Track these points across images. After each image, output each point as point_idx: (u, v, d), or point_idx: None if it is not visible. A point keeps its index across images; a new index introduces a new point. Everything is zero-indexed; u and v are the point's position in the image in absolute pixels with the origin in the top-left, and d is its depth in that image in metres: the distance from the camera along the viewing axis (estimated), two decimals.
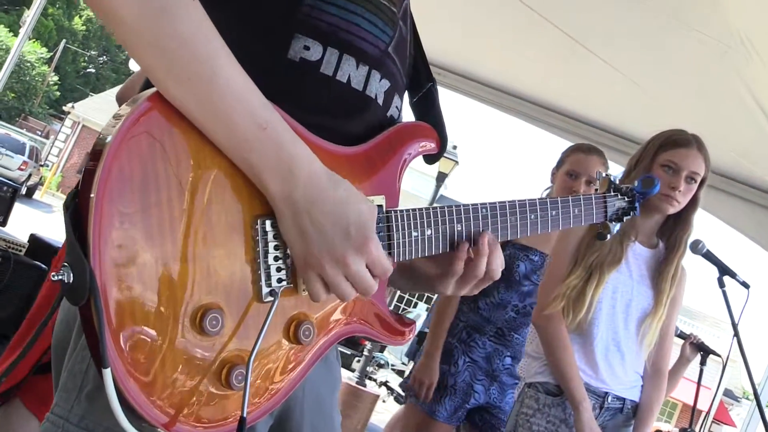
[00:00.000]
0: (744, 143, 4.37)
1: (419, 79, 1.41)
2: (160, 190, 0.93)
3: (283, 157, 0.98)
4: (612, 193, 1.48)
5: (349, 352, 9.47)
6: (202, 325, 0.95)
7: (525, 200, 1.32)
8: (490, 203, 1.28)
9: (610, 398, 2.52)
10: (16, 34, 36.00)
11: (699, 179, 2.54)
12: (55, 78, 42.62)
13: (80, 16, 48.64)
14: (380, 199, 1.16)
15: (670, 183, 2.48)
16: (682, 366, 3.99)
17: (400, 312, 1.32)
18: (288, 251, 1.03)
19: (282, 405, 1.11)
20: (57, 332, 1.16)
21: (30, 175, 22.25)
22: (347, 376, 8.68)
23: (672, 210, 2.51)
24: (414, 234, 1.18)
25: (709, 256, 3.00)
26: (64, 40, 42.46)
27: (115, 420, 0.90)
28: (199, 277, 0.96)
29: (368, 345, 9.33)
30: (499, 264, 1.24)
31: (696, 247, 2.93)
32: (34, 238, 5.25)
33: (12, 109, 36.92)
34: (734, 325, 2.99)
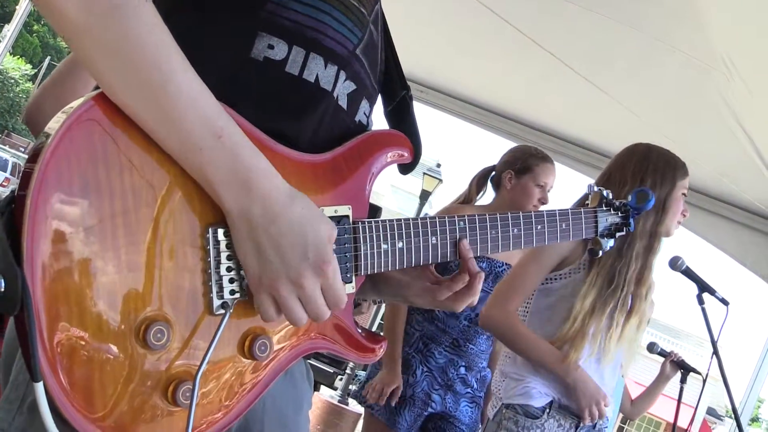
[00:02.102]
0: (726, 163, 4.41)
1: (393, 87, 1.37)
2: (102, 196, 0.87)
3: (239, 168, 0.93)
4: (604, 208, 1.44)
5: (331, 371, 9.39)
6: (145, 338, 0.90)
7: (507, 213, 1.27)
8: (468, 215, 1.23)
9: (585, 415, 2.50)
10: None
11: None
12: None
13: None
14: (346, 209, 1.11)
15: (683, 211, 2.60)
16: (662, 383, 4.02)
17: None
18: (238, 261, 0.99)
19: (240, 421, 1.06)
20: (7, 341, 1.10)
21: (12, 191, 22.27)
22: (329, 395, 8.62)
23: None
24: (383, 246, 1.13)
25: (689, 273, 3.00)
26: (48, 57, 42.34)
27: None
28: (143, 288, 0.91)
29: (351, 363, 9.26)
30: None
31: (675, 263, 2.93)
32: None
33: None
34: (713, 343, 2.99)
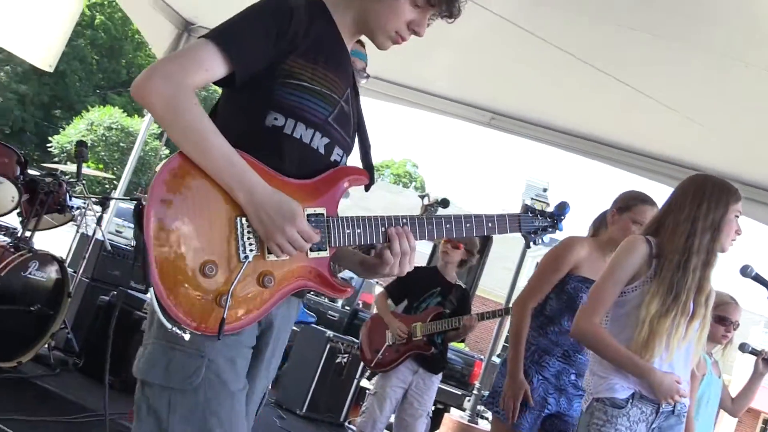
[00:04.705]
0: None
1: (363, 138, 2.15)
2: (181, 202, 1.72)
3: (245, 182, 1.76)
4: (529, 215, 2.02)
5: (460, 393, 9.73)
6: (204, 271, 1.73)
7: (441, 216, 1.92)
8: (410, 216, 1.93)
9: (663, 404, 2.90)
10: (129, 115, 38.05)
11: None
12: (166, 151, 44.58)
13: None
14: (322, 209, 1.89)
15: (738, 230, 3.00)
16: (757, 380, 4.25)
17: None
18: (256, 234, 1.78)
19: (266, 320, 1.90)
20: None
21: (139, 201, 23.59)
22: (459, 415, 8.94)
23: None
24: (347, 231, 1.89)
25: (758, 278, 3.37)
26: None
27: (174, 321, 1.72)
28: (204, 246, 1.74)
29: (477, 384, 9.54)
30: (408, 247, 1.89)
31: (745, 271, 3.36)
32: None
33: (130, 184, 38.63)
34: None
